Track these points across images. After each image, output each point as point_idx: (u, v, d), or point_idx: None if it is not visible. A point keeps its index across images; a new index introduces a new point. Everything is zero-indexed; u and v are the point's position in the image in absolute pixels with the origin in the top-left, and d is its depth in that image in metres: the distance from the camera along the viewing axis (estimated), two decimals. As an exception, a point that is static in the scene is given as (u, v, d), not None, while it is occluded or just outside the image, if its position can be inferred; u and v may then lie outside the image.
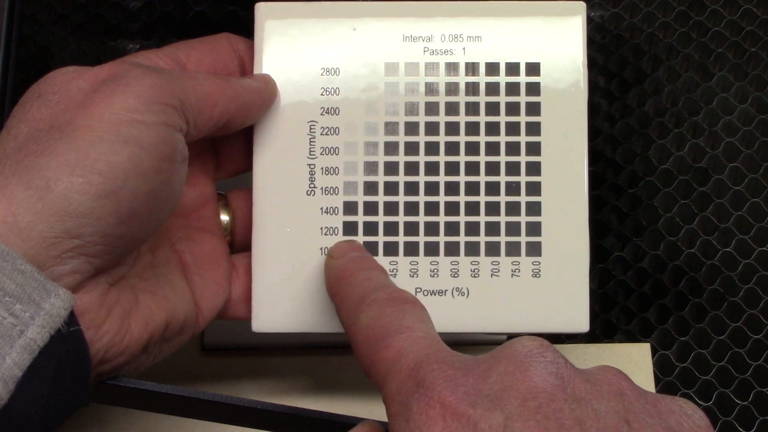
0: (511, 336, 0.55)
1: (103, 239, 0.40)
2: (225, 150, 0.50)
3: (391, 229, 0.49)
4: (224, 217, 0.50)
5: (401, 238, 0.49)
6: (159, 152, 0.42)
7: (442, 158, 0.49)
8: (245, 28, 0.54)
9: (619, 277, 0.60)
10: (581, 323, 0.49)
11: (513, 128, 0.49)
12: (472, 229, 0.49)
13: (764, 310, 0.59)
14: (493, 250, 0.49)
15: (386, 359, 0.38)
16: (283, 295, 0.49)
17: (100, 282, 0.42)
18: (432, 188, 0.49)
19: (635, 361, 0.58)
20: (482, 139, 0.49)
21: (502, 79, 0.49)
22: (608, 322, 0.59)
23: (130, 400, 0.47)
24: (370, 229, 0.49)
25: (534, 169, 0.49)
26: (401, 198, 0.49)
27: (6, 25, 0.51)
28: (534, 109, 0.49)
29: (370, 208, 0.49)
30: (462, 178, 0.49)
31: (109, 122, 0.41)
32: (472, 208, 0.49)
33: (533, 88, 0.49)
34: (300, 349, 0.57)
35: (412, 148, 0.49)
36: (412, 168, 0.49)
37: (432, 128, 0.49)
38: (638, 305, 0.60)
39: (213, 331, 0.57)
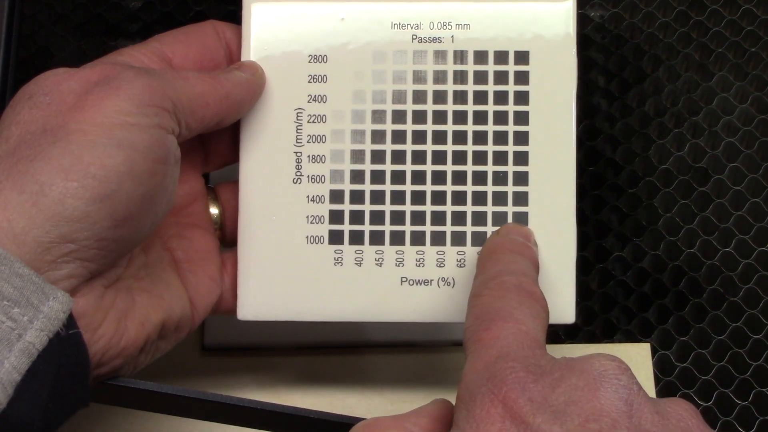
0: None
1: (98, 243, 0.40)
2: (213, 143, 0.50)
3: (377, 218, 0.48)
4: (214, 211, 0.50)
5: (387, 227, 0.49)
6: (153, 155, 0.42)
7: (429, 147, 0.48)
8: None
9: (619, 277, 0.60)
10: (567, 315, 0.49)
11: (501, 117, 0.48)
12: (459, 219, 0.48)
13: (764, 310, 0.59)
14: (479, 240, 0.48)
15: (481, 340, 0.39)
16: (268, 284, 0.49)
17: (95, 285, 0.42)
18: (419, 177, 0.48)
19: (635, 361, 0.58)
20: (470, 128, 0.48)
21: (491, 67, 0.49)
22: (608, 322, 0.59)
23: (130, 400, 0.47)
24: (357, 217, 0.48)
25: (521, 159, 0.48)
26: (388, 187, 0.49)
27: (6, 25, 0.51)
28: (522, 98, 0.48)
29: (357, 197, 0.49)
30: (449, 167, 0.48)
31: (102, 126, 0.41)
32: (459, 198, 0.48)
33: (522, 77, 0.49)
34: (300, 349, 0.57)
35: (399, 137, 0.49)
36: (398, 157, 0.48)
37: (419, 117, 0.48)
38: (638, 305, 0.59)
39: (213, 331, 0.57)
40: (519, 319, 0.39)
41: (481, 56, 0.49)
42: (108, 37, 0.63)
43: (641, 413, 0.35)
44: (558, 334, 0.59)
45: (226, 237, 0.50)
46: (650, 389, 0.57)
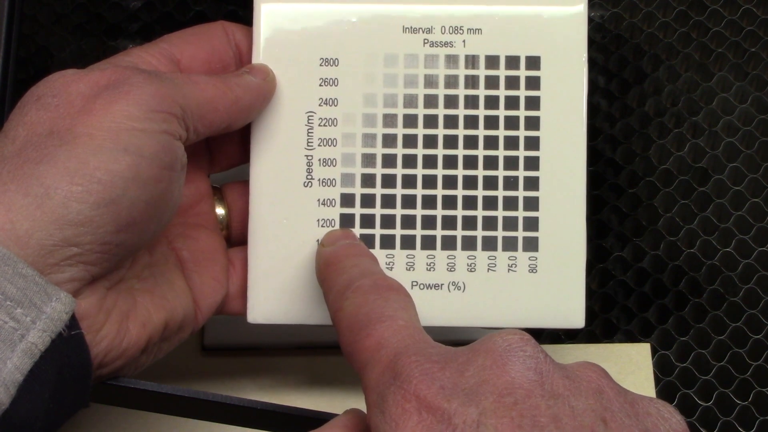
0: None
1: (102, 247, 0.40)
2: (220, 145, 0.50)
3: (388, 221, 0.49)
4: (220, 211, 0.50)
5: (398, 231, 0.49)
6: (159, 161, 0.42)
7: (440, 151, 0.49)
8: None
9: (619, 277, 0.60)
10: (577, 319, 0.49)
11: (512, 122, 0.48)
12: (470, 223, 0.48)
13: (764, 310, 0.59)
14: (490, 244, 0.48)
15: (367, 348, 0.38)
16: (278, 287, 0.49)
17: (97, 287, 0.41)
18: (430, 181, 0.48)
19: (635, 361, 0.58)
20: (481, 132, 0.48)
21: (502, 72, 0.49)
22: (608, 322, 0.59)
23: (130, 400, 0.47)
24: (367, 221, 0.49)
25: (532, 164, 0.48)
26: (398, 191, 0.49)
27: (6, 25, 0.51)
28: (533, 103, 0.48)
29: (368, 201, 0.49)
30: (460, 172, 0.48)
31: (110, 130, 0.41)
32: (470, 202, 0.48)
33: (533, 82, 0.49)
34: (300, 349, 0.57)
35: (410, 141, 0.49)
36: (410, 161, 0.49)
37: (430, 121, 0.48)
38: (638, 305, 0.60)
39: (213, 331, 0.57)
40: (393, 316, 0.39)
41: (492, 61, 0.49)
42: (108, 37, 0.63)
43: (552, 380, 0.35)
44: (558, 334, 0.59)
45: (232, 237, 0.50)
46: (650, 389, 0.57)
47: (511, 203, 0.48)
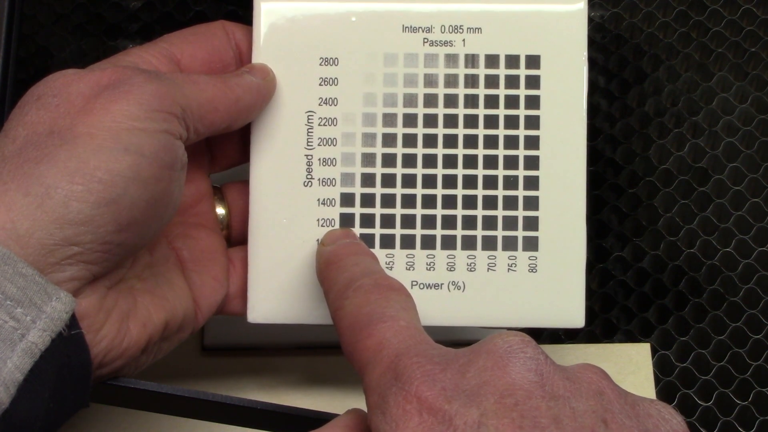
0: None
1: (102, 247, 0.40)
2: (220, 145, 0.50)
3: (388, 221, 0.49)
4: (220, 211, 0.50)
5: (398, 231, 0.49)
6: (160, 160, 0.42)
7: (440, 151, 0.48)
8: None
9: (619, 277, 0.60)
10: (577, 318, 0.49)
11: (512, 121, 0.48)
12: (469, 222, 0.48)
13: (764, 310, 0.59)
14: (489, 244, 0.48)
15: (368, 348, 0.38)
16: (278, 287, 0.49)
17: (98, 287, 0.41)
18: (429, 181, 0.48)
19: (635, 361, 0.58)
20: (480, 132, 0.48)
21: (502, 71, 0.49)
22: (608, 322, 0.59)
23: (130, 400, 0.47)
24: (367, 221, 0.49)
25: (532, 163, 0.48)
26: (398, 190, 0.49)
27: (6, 25, 0.51)
28: (533, 102, 0.48)
29: (367, 200, 0.49)
30: (460, 171, 0.48)
31: (110, 130, 0.41)
32: (470, 202, 0.48)
33: (533, 81, 0.49)
34: (300, 348, 0.57)
35: (410, 141, 0.48)
36: (409, 160, 0.48)
37: (430, 120, 0.48)
38: (638, 305, 0.60)
39: (213, 331, 0.57)
40: (394, 316, 0.39)
41: (492, 60, 0.49)
42: (108, 37, 0.63)
43: (553, 381, 0.35)
44: (558, 334, 0.59)
45: (232, 237, 0.50)
46: (650, 389, 0.57)
47: (510, 202, 0.48)
